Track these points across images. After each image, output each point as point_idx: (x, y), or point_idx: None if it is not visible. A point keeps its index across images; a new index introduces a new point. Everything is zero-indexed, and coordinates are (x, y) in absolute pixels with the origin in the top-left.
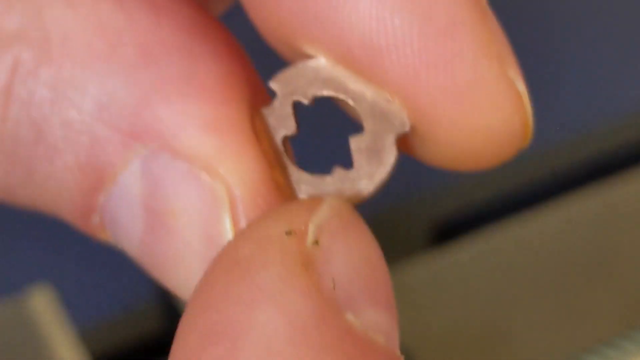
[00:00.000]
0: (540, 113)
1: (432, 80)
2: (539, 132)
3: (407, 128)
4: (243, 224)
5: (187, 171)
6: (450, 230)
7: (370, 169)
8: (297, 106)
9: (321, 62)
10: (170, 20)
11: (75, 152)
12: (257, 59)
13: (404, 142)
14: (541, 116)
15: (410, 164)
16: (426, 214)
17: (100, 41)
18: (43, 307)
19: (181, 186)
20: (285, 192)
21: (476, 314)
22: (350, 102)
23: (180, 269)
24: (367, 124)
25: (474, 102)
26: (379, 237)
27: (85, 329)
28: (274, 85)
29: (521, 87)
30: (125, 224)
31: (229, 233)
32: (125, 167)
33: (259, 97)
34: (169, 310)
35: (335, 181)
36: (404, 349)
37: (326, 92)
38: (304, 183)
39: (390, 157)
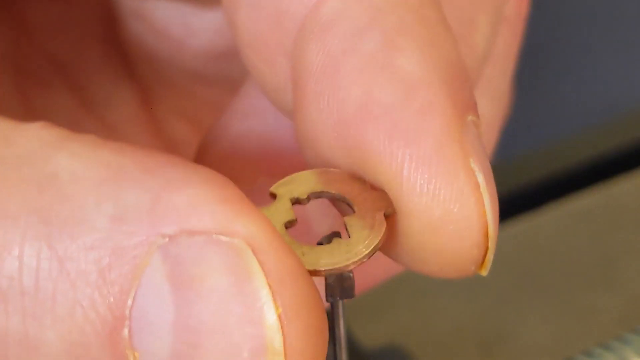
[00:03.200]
0: (539, 113)
1: (402, 147)
2: (539, 131)
3: (392, 209)
4: (271, 266)
5: (206, 241)
6: None
7: (364, 236)
8: (294, 203)
9: (312, 174)
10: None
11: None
12: None
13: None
14: (540, 116)
15: None
16: None
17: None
18: None
19: (201, 254)
20: None
21: (476, 314)
22: (340, 195)
23: (216, 335)
24: (358, 208)
25: (433, 174)
26: None
27: None
28: (274, 189)
29: (481, 179)
30: (153, 318)
31: (260, 277)
32: (148, 263)
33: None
34: None
35: (334, 249)
36: (405, 350)
37: (319, 190)
38: (306, 253)
39: (381, 227)
